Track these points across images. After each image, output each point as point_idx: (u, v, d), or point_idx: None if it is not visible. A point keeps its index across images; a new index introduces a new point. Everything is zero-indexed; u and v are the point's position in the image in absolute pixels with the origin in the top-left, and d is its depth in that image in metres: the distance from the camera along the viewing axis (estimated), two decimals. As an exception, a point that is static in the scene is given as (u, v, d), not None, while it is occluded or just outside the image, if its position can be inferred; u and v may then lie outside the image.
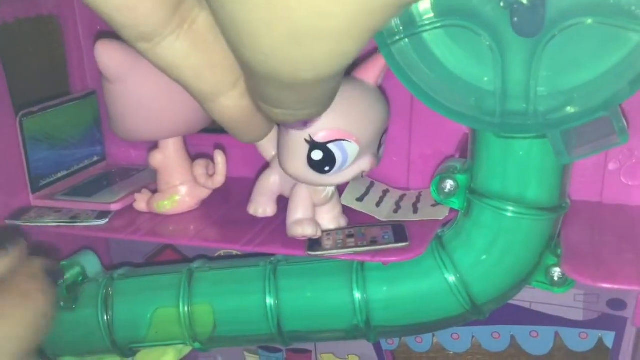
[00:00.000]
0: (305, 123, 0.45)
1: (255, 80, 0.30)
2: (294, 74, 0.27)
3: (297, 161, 0.48)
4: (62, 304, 0.57)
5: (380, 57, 0.48)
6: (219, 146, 0.59)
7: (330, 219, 0.53)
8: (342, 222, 0.54)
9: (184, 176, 0.58)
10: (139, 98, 0.53)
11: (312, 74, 0.27)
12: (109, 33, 0.44)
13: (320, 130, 0.46)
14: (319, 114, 0.33)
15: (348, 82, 0.48)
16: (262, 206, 0.55)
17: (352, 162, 0.48)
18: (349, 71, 0.50)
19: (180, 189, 0.58)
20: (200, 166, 0.57)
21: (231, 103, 0.34)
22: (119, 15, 0.29)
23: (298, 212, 0.52)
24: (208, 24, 0.31)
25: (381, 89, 0.52)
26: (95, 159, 0.69)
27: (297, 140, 0.47)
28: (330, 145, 0.46)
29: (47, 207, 0.60)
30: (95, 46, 0.51)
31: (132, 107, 0.54)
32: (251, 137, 0.38)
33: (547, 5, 0.39)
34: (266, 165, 0.56)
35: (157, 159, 0.58)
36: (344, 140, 0.46)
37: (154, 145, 0.59)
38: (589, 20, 0.39)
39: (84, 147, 0.67)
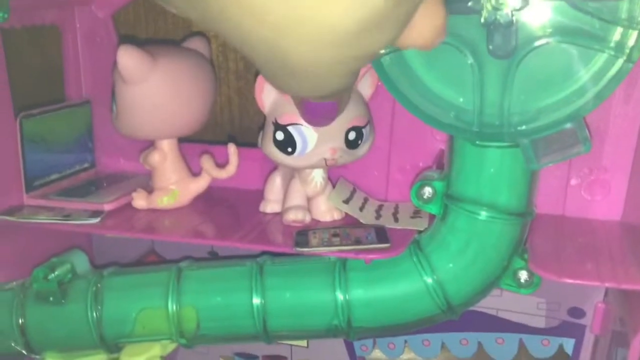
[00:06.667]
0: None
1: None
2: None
3: (268, 141, 0.56)
4: (51, 299, 0.58)
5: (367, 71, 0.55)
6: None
7: (325, 210, 0.60)
8: (337, 215, 0.60)
9: (180, 173, 0.63)
10: (153, 100, 0.58)
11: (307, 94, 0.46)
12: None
13: (284, 114, 0.54)
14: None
15: None
16: (270, 204, 0.62)
17: (314, 148, 0.55)
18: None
19: (179, 184, 0.63)
20: (209, 159, 0.62)
21: None
22: None
23: (290, 200, 0.59)
24: None
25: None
26: (86, 165, 0.71)
27: (269, 122, 0.56)
28: (290, 128, 0.54)
29: (39, 206, 0.62)
30: (118, 50, 0.55)
31: (146, 107, 0.58)
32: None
33: (519, 29, 0.45)
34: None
35: (155, 158, 0.62)
36: (302, 125, 0.54)
37: (145, 149, 0.64)
38: (556, 41, 0.44)
39: (75, 152, 0.70)
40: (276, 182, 0.62)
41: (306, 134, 0.54)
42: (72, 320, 0.59)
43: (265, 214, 0.62)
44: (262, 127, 0.58)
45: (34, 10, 0.63)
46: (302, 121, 0.53)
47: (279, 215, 0.60)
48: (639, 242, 0.52)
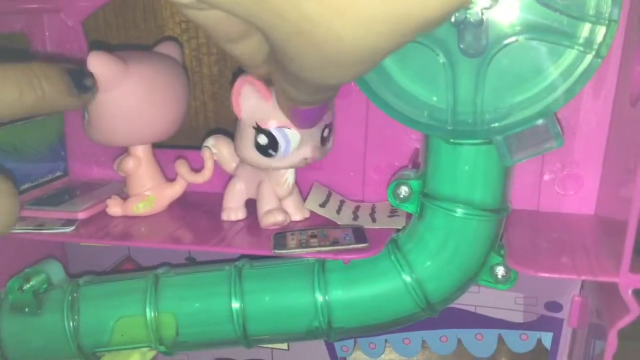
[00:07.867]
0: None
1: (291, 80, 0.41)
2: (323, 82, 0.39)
3: (247, 146, 0.55)
4: (27, 310, 0.57)
5: None
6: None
7: (295, 209, 0.60)
8: (306, 212, 0.60)
9: (155, 179, 0.63)
10: (126, 106, 0.57)
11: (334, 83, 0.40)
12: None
13: (266, 118, 0.54)
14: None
15: None
16: (233, 211, 0.61)
17: (296, 148, 0.55)
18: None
19: (154, 190, 0.62)
20: (184, 164, 0.62)
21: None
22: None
23: (266, 204, 0.58)
24: None
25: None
26: (58, 173, 0.70)
27: (247, 127, 0.55)
28: (273, 131, 0.54)
29: (12, 216, 0.61)
30: (88, 57, 0.54)
31: (119, 114, 0.57)
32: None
33: (489, 27, 0.45)
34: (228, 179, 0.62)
35: (129, 165, 0.61)
36: (285, 127, 0.53)
37: (119, 156, 0.63)
38: (525, 38, 0.45)
39: (48, 161, 0.69)
40: (237, 188, 0.61)
41: (289, 136, 0.54)
42: (49, 330, 0.58)
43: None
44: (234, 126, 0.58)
45: (1, 18, 0.63)
46: (285, 124, 0.53)
47: (254, 219, 0.60)
48: (613, 235, 0.52)
